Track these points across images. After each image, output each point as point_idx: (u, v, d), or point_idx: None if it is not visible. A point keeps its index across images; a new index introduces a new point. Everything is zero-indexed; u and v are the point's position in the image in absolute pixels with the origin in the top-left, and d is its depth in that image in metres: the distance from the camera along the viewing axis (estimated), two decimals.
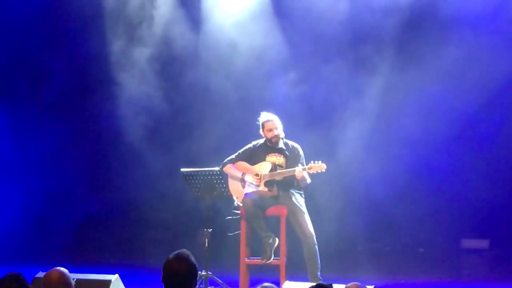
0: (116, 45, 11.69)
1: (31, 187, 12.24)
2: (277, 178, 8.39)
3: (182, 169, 8.40)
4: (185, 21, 11.58)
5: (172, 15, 11.55)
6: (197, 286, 8.11)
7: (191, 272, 4.44)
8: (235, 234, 8.48)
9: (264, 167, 8.46)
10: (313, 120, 10.96)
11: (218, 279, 8.29)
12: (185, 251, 4.51)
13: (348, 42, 11.00)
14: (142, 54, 11.64)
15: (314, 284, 4.36)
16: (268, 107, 8.91)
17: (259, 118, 8.59)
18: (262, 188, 8.39)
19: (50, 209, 12.11)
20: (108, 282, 7.17)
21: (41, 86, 12.17)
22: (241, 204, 8.35)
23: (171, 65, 11.71)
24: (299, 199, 8.38)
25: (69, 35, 12.15)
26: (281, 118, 8.60)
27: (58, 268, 4.91)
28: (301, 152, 8.54)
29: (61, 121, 12.26)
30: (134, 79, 11.67)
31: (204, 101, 11.69)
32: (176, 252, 4.49)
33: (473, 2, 10.39)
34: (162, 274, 4.46)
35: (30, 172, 12.32)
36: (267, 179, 8.40)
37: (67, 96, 12.23)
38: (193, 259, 4.47)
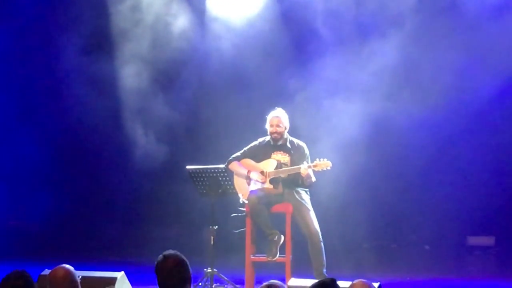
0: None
1: (35, 183, 12.25)
2: (282, 175, 8.38)
3: (187, 167, 8.40)
4: (191, 19, 11.58)
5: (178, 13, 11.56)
6: (202, 283, 8.14)
7: (179, 267, 4.44)
8: (241, 231, 8.48)
9: (269, 165, 8.45)
10: (317, 117, 10.95)
11: (223, 276, 8.30)
12: (171, 250, 4.53)
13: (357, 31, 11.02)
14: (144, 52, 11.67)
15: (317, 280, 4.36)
16: (276, 103, 8.90)
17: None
18: (268, 185, 8.39)
19: (54, 205, 12.11)
20: (114, 279, 7.17)
21: None
22: (246, 201, 8.35)
23: (177, 64, 11.70)
24: (304, 197, 8.37)
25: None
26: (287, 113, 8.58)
27: (64, 265, 4.91)
28: (307, 151, 8.52)
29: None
30: (136, 74, 11.67)
31: (210, 98, 11.69)
32: (162, 254, 4.52)
33: None
34: (156, 279, 4.47)
35: (30, 168, 12.33)
36: (272, 177, 8.39)
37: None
38: (180, 255, 4.48)
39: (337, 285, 4.24)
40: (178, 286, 4.45)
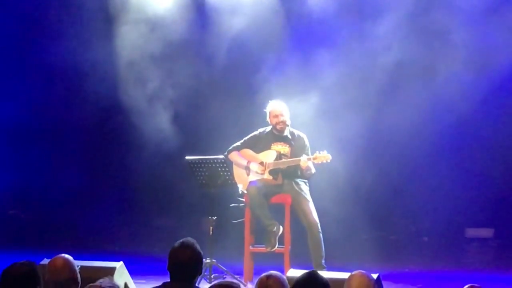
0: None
1: (33, 175, 12.23)
2: (282, 167, 8.38)
3: (186, 157, 8.40)
4: (190, 11, 11.56)
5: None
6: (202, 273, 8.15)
7: (195, 260, 4.47)
8: (240, 222, 8.49)
9: (269, 156, 8.45)
10: (317, 111, 10.91)
11: (222, 267, 8.30)
12: (190, 239, 4.54)
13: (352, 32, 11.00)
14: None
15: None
16: (272, 96, 8.90)
17: (266, 106, 8.59)
18: (267, 176, 8.39)
19: (54, 197, 12.10)
20: (113, 269, 7.15)
21: None
22: (245, 192, 8.35)
23: (176, 54, 11.67)
24: (303, 188, 8.38)
25: None
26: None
27: (63, 255, 4.93)
28: (307, 142, 8.52)
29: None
30: (140, 70, 11.64)
31: (210, 89, 11.67)
32: (181, 240, 4.52)
33: None
34: (167, 262, 4.48)
35: (30, 159, 12.30)
36: (272, 168, 8.39)
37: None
38: (198, 247, 4.50)
39: (318, 276, 4.25)
40: (190, 276, 4.47)
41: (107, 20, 11.60)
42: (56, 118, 12.39)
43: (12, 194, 12.17)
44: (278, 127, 8.48)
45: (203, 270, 7.98)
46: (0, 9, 11.83)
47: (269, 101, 8.62)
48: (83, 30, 11.87)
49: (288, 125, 8.52)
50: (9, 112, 11.94)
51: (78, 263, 4.99)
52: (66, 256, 4.91)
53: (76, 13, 11.89)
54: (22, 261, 4.59)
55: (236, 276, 8.40)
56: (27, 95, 12.02)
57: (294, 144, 8.47)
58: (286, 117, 8.48)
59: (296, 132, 8.57)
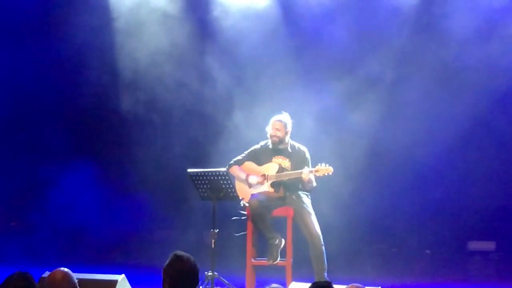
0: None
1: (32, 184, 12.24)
2: (283, 179, 8.36)
3: (188, 170, 8.39)
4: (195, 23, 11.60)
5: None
6: (203, 286, 8.14)
7: (192, 268, 4.45)
8: (242, 235, 8.48)
9: (271, 168, 8.44)
10: (322, 122, 10.93)
11: (224, 280, 8.29)
12: (179, 251, 4.53)
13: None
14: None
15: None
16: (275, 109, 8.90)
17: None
18: (269, 189, 8.38)
19: (55, 209, 12.11)
20: (115, 282, 7.17)
21: None
22: (247, 205, 8.34)
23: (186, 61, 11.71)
24: (305, 200, 8.37)
25: None
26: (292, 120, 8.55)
27: (62, 268, 4.93)
28: (308, 155, 8.50)
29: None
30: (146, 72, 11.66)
31: (216, 101, 11.68)
32: (172, 254, 4.50)
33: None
34: (163, 279, 4.45)
35: (32, 166, 12.30)
36: (274, 180, 8.38)
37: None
38: (191, 256, 4.49)
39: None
40: (191, 286, 4.46)
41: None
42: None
43: (11, 204, 12.18)
44: (271, 139, 8.47)
45: (205, 283, 8.04)
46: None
47: (282, 112, 8.58)
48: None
49: (283, 141, 8.45)
50: None
51: (80, 276, 4.99)
52: (65, 269, 4.92)
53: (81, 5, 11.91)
54: (17, 276, 4.57)
55: None
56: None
57: (294, 158, 8.44)
58: (283, 132, 8.44)
59: (297, 145, 8.55)
